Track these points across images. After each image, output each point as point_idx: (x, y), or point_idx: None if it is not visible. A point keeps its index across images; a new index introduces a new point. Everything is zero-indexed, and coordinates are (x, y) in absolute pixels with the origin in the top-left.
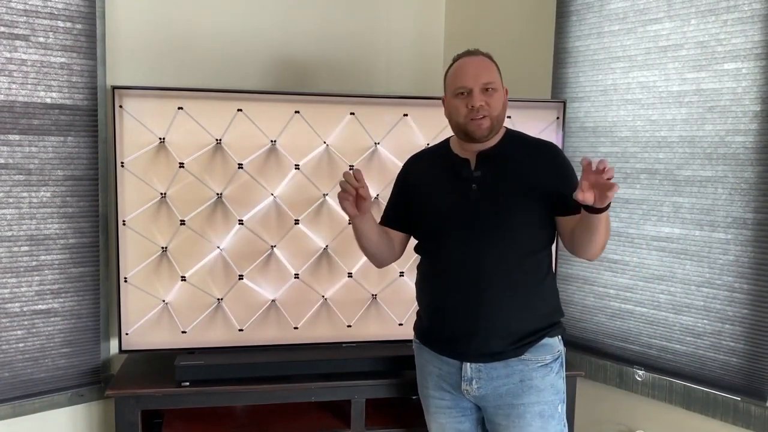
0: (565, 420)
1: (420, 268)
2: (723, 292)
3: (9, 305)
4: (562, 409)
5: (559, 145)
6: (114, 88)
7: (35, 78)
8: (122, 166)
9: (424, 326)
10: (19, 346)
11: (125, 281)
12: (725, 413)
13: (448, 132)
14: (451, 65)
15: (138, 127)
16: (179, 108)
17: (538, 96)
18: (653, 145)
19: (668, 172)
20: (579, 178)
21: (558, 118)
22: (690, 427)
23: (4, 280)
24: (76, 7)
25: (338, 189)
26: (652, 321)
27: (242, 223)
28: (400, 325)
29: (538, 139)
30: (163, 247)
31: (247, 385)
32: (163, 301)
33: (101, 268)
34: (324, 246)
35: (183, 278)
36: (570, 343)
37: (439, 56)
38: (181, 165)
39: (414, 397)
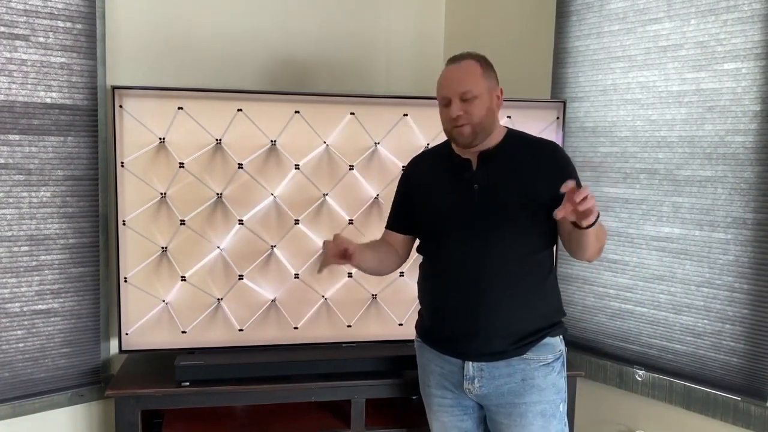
0: (566, 420)
1: (422, 267)
2: (723, 292)
3: (9, 305)
4: (563, 408)
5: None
6: (114, 88)
7: (35, 78)
8: (122, 166)
9: (425, 325)
10: (19, 346)
11: (125, 281)
12: (725, 413)
13: None
14: None
15: (138, 127)
16: (179, 108)
17: (538, 96)
18: (653, 145)
19: (668, 172)
20: (578, 178)
21: (558, 118)
22: (690, 427)
23: (4, 280)
24: (76, 7)
25: (339, 189)
26: (652, 321)
27: (242, 223)
28: (400, 325)
29: (540, 138)
30: (163, 247)
31: (247, 385)
32: (163, 301)
33: (101, 268)
34: None
35: (183, 278)
36: (570, 343)
37: (439, 56)
38: (181, 165)
39: (414, 397)
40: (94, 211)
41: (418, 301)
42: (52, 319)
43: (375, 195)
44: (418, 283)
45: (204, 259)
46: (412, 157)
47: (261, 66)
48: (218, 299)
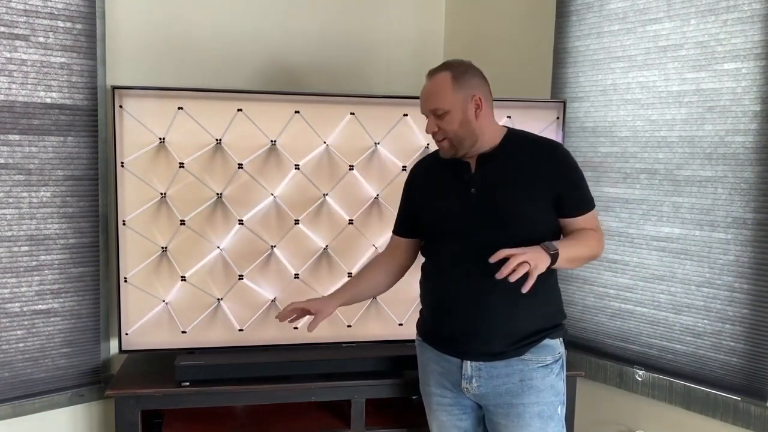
0: (564, 422)
1: (423, 267)
2: (723, 292)
3: (9, 305)
4: (561, 411)
5: None
6: (114, 88)
7: (35, 78)
8: (122, 166)
9: (426, 325)
10: (19, 346)
11: (125, 281)
12: (725, 413)
13: None
14: None
15: (138, 127)
16: (179, 108)
17: (538, 96)
18: (653, 145)
19: (668, 172)
20: (579, 178)
21: (558, 118)
22: (690, 427)
23: (4, 280)
24: (76, 7)
25: (338, 189)
26: (653, 321)
27: (242, 223)
28: (400, 325)
29: (541, 137)
30: (163, 247)
31: (247, 385)
32: (163, 301)
33: (101, 268)
34: (324, 246)
35: (183, 278)
36: (570, 343)
37: (439, 56)
38: (181, 165)
39: (414, 397)
40: (94, 211)
41: (419, 300)
42: (52, 319)
43: (375, 195)
44: (419, 282)
45: (204, 259)
46: (417, 161)
47: (261, 66)
48: (218, 299)
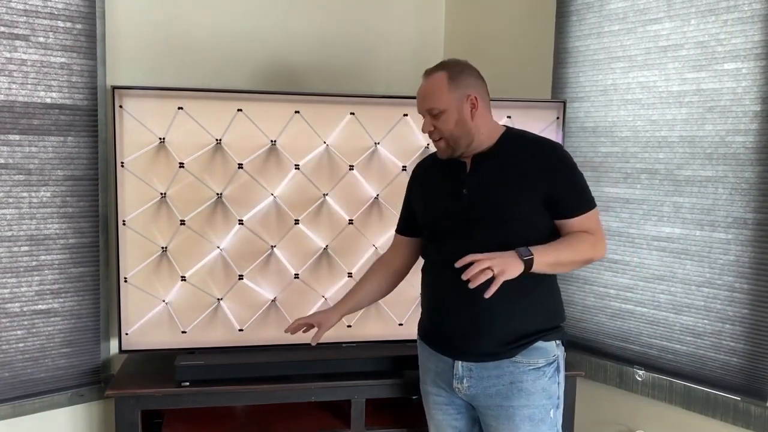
0: (559, 427)
1: (423, 268)
2: (723, 292)
3: (9, 305)
4: (554, 414)
5: None
6: (114, 88)
7: (35, 78)
8: (122, 166)
9: (424, 324)
10: (19, 346)
11: (125, 281)
12: (725, 413)
13: None
14: None
15: (138, 127)
16: (179, 108)
17: (538, 96)
18: (653, 145)
19: (668, 172)
20: (577, 178)
21: (558, 118)
22: (690, 427)
23: (4, 280)
24: (76, 7)
25: (338, 189)
26: (653, 321)
27: (242, 223)
28: (400, 325)
29: (539, 137)
30: (163, 247)
31: (247, 385)
32: (163, 301)
33: (101, 268)
34: (324, 246)
35: (183, 278)
36: (570, 343)
37: (439, 56)
38: (181, 165)
39: (414, 397)
40: (94, 211)
41: (419, 300)
42: (52, 319)
43: (375, 195)
44: (420, 282)
45: (204, 259)
46: (419, 161)
47: (261, 66)
48: (218, 299)
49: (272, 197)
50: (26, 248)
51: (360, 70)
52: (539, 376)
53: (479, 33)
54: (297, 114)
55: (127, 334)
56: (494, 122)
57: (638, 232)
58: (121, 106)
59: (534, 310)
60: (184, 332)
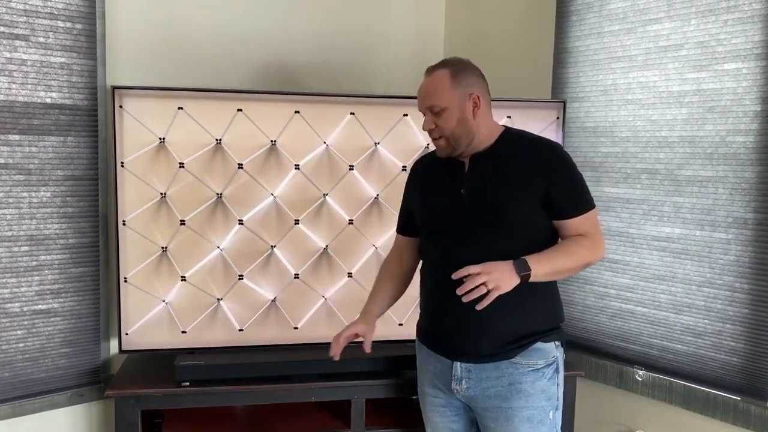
0: (558, 428)
1: (421, 269)
2: (724, 292)
3: (9, 305)
4: (554, 416)
5: None
6: (114, 88)
7: (35, 78)
8: (122, 166)
9: (423, 325)
10: (19, 346)
11: (125, 281)
12: (725, 413)
13: None
14: None
15: (138, 127)
16: (179, 108)
17: (538, 96)
18: (654, 145)
19: (669, 172)
20: (576, 178)
21: (558, 118)
22: (690, 427)
23: (4, 280)
24: (76, 7)
25: (338, 189)
26: (653, 321)
27: (242, 223)
28: (400, 325)
29: (538, 137)
30: (163, 247)
31: (247, 385)
32: (163, 301)
33: (101, 268)
34: (324, 246)
35: (183, 278)
36: (570, 343)
37: (439, 56)
38: (181, 165)
39: (414, 397)
40: (94, 211)
41: (419, 300)
42: (52, 319)
43: (375, 195)
44: (419, 283)
45: (204, 259)
46: (417, 158)
47: (261, 66)
48: (218, 299)
49: (272, 197)
50: (26, 248)
51: (360, 70)
52: (538, 377)
53: (479, 33)
54: (297, 114)
55: (127, 334)
56: (494, 122)
57: (638, 232)
58: (121, 106)
59: (533, 311)
60: (184, 332)
